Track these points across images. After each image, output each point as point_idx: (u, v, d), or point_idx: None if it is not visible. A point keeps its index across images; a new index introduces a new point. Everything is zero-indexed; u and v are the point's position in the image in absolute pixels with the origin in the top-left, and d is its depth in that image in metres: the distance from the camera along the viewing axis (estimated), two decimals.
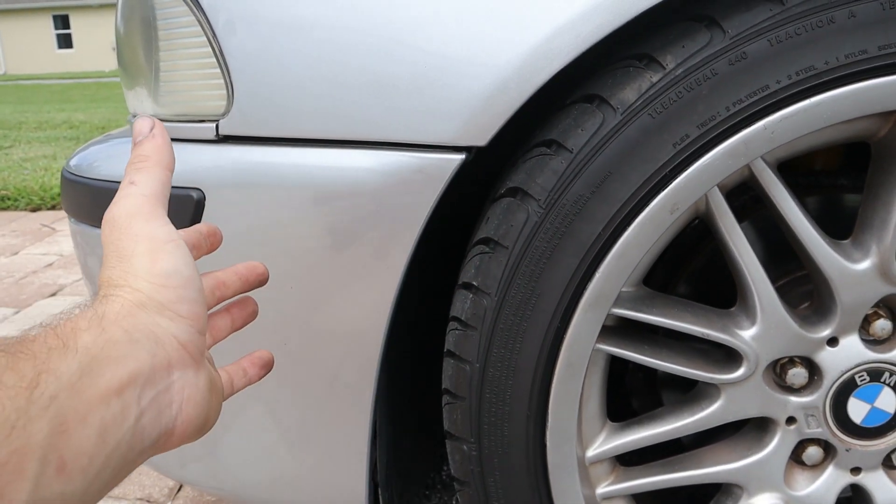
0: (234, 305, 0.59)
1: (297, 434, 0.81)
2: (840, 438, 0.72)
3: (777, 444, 0.73)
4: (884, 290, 0.67)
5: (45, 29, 33.40)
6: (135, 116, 0.88)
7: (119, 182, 0.81)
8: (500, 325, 0.64)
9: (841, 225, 0.71)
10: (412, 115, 0.63)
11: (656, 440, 0.73)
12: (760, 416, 0.72)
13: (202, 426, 0.47)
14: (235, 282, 0.57)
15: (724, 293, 0.75)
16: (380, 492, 0.80)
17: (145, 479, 1.37)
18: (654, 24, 0.62)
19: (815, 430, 0.72)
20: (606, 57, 0.63)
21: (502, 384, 0.66)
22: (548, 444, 0.68)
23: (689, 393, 0.76)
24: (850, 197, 0.85)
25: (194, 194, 0.73)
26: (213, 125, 0.74)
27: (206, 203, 0.73)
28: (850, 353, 0.70)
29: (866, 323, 0.70)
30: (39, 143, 5.76)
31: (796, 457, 0.74)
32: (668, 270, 0.86)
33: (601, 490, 0.75)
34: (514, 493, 0.71)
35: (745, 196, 0.81)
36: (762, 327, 0.68)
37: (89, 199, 0.85)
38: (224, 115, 0.73)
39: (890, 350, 0.69)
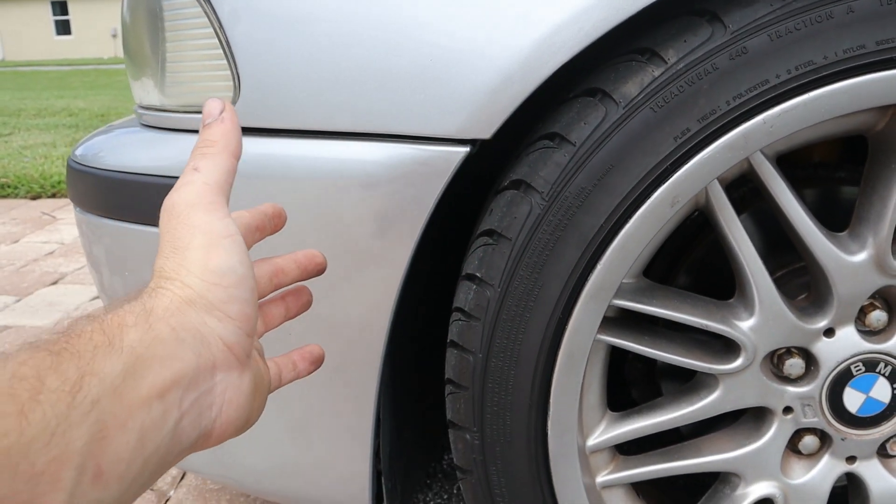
0: (290, 294, 0.59)
1: (301, 423, 0.82)
2: (836, 428, 0.73)
3: (774, 434, 0.74)
4: (880, 281, 0.68)
5: (44, 15, 33.24)
6: (141, 107, 0.89)
7: (122, 172, 0.83)
8: (503, 315, 0.65)
9: (838, 217, 0.72)
10: (418, 108, 0.64)
11: (655, 430, 0.74)
12: (758, 405, 0.73)
13: (242, 426, 0.46)
14: (293, 269, 0.57)
15: (724, 284, 0.76)
16: (383, 480, 0.81)
17: None
18: (656, 19, 0.63)
19: (812, 420, 0.73)
20: (609, 51, 0.64)
21: (505, 374, 0.67)
22: (549, 433, 0.69)
23: (688, 383, 0.77)
24: (847, 189, 0.86)
25: None
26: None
27: None
28: (846, 343, 0.71)
29: (862, 314, 0.71)
30: (39, 130, 5.75)
31: (793, 446, 0.76)
32: (668, 262, 0.87)
33: (601, 478, 0.76)
34: (516, 482, 0.72)
35: (744, 188, 0.82)
36: (760, 318, 0.69)
37: (95, 189, 0.86)
38: None
39: (885, 341, 0.71)
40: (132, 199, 0.81)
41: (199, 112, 0.78)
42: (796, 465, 0.77)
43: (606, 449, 0.76)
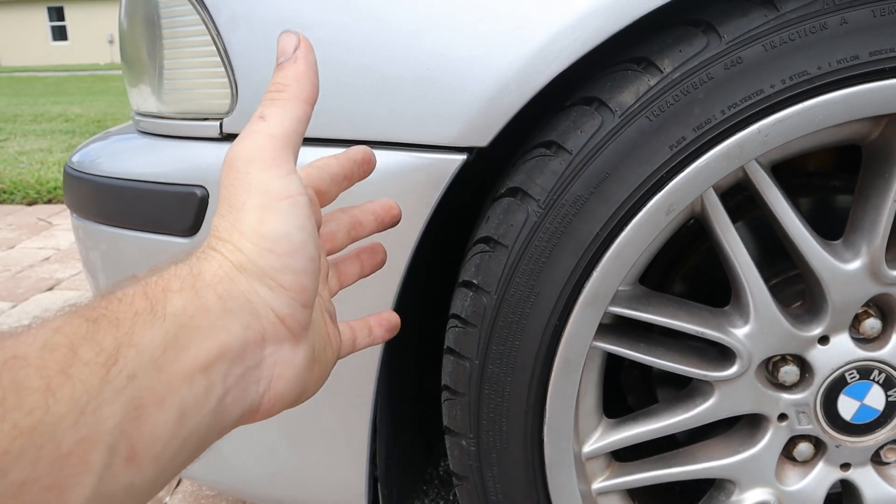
0: (365, 251, 0.56)
1: (298, 429, 0.82)
2: (830, 435, 0.73)
3: (769, 441, 0.74)
4: (874, 289, 0.68)
5: (40, 21, 33.24)
6: (138, 113, 0.89)
7: (119, 179, 0.83)
8: (500, 322, 0.66)
9: (833, 225, 0.73)
10: (415, 116, 0.64)
11: (651, 436, 0.75)
12: (753, 412, 0.74)
13: (293, 401, 0.43)
14: (371, 222, 0.54)
15: (719, 292, 0.76)
16: (379, 486, 0.81)
17: None
18: (652, 28, 0.63)
19: (806, 427, 0.73)
20: (605, 60, 0.65)
21: (501, 380, 0.67)
22: (545, 439, 0.69)
23: (684, 390, 0.77)
24: (841, 198, 0.86)
25: (198, 192, 0.74)
26: (217, 123, 0.75)
27: (210, 200, 0.74)
28: (840, 351, 0.71)
29: (856, 322, 0.71)
30: (35, 136, 5.75)
31: (787, 453, 0.76)
32: (664, 269, 0.87)
33: (597, 485, 0.76)
34: (512, 488, 0.72)
35: (740, 196, 0.83)
36: (755, 326, 0.70)
37: (93, 196, 0.86)
38: (228, 113, 0.74)
39: (879, 348, 0.71)
40: (129, 206, 0.81)
41: (198, 119, 0.78)
42: (791, 471, 0.77)
43: (602, 455, 0.77)
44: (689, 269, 0.86)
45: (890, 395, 0.72)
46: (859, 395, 0.73)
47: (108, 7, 31.91)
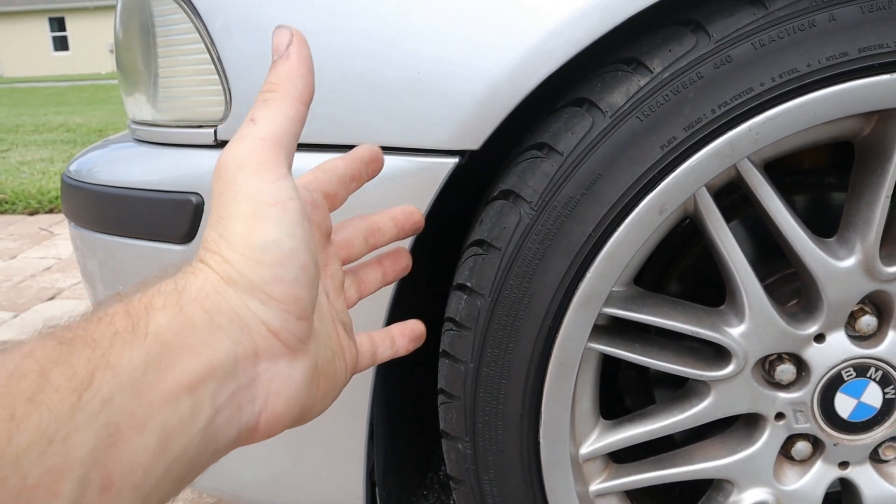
0: (387, 257, 0.54)
1: (295, 435, 0.82)
2: (828, 433, 0.73)
3: (766, 440, 0.74)
4: (868, 286, 0.68)
5: (41, 31, 33.38)
6: (134, 122, 0.89)
7: (115, 187, 0.83)
8: (494, 325, 0.66)
9: (827, 223, 0.73)
10: (407, 120, 0.64)
11: (648, 437, 0.74)
12: (750, 412, 0.73)
13: (297, 418, 0.41)
14: (390, 228, 0.53)
15: (715, 292, 0.76)
16: (377, 491, 0.81)
17: None
18: (641, 29, 0.63)
19: (804, 426, 0.73)
20: (595, 61, 0.65)
21: (496, 383, 0.67)
22: (541, 441, 0.69)
23: (680, 390, 0.77)
24: (836, 195, 0.86)
25: (193, 199, 0.74)
26: (212, 130, 0.75)
27: (206, 208, 0.74)
28: (836, 349, 0.71)
29: (852, 319, 0.71)
30: (36, 146, 5.77)
31: (785, 452, 0.76)
32: (659, 270, 0.87)
33: (594, 487, 0.76)
34: (509, 491, 0.72)
35: (734, 196, 0.83)
36: (750, 325, 0.70)
37: (90, 204, 0.87)
38: (222, 120, 0.74)
39: (875, 346, 0.71)
40: (125, 214, 0.82)
41: (192, 126, 0.79)
42: (789, 471, 0.77)
43: (600, 457, 0.76)
44: (684, 269, 0.86)
45: (887, 393, 0.72)
46: (856, 393, 0.72)
47: (108, 17, 32.02)
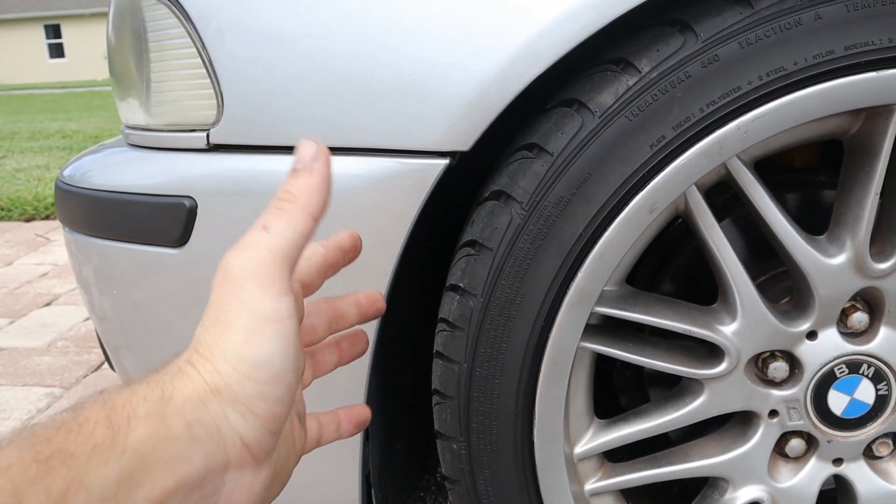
0: (346, 339, 0.55)
1: None
2: (821, 430, 0.73)
3: (760, 438, 0.74)
4: (859, 283, 0.69)
5: (37, 38, 33.38)
6: (127, 126, 0.89)
7: (108, 191, 0.83)
8: (487, 325, 0.66)
9: (818, 220, 0.73)
10: (397, 122, 0.64)
11: (642, 436, 0.75)
12: (744, 410, 0.74)
13: None
14: (353, 315, 0.53)
15: (708, 290, 0.77)
16: (373, 492, 0.81)
17: None
18: (629, 29, 0.64)
19: (798, 423, 0.74)
20: (584, 62, 0.65)
21: (490, 383, 0.67)
22: (535, 441, 0.69)
23: (674, 389, 0.77)
24: (826, 193, 0.87)
25: (186, 202, 0.75)
26: (204, 134, 0.75)
27: (199, 211, 0.74)
28: (828, 346, 0.71)
29: (844, 316, 0.71)
30: (33, 153, 5.76)
31: (780, 449, 0.76)
32: (652, 269, 0.87)
33: (589, 486, 0.77)
34: (504, 490, 0.72)
35: (726, 195, 0.83)
36: (743, 322, 0.70)
37: (84, 209, 0.87)
38: (214, 124, 0.75)
39: (867, 342, 0.71)
40: (119, 218, 0.82)
41: (185, 131, 0.79)
42: (783, 468, 0.77)
43: (594, 456, 0.77)
44: (677, 268, 0.86)
45: (879, 389, 0.73)
46: (849, 390, 0.73)
47: (104, 24, 31.99)
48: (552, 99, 0.67)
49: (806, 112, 0.61)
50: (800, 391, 0.73)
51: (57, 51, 33.40)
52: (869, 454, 0.76)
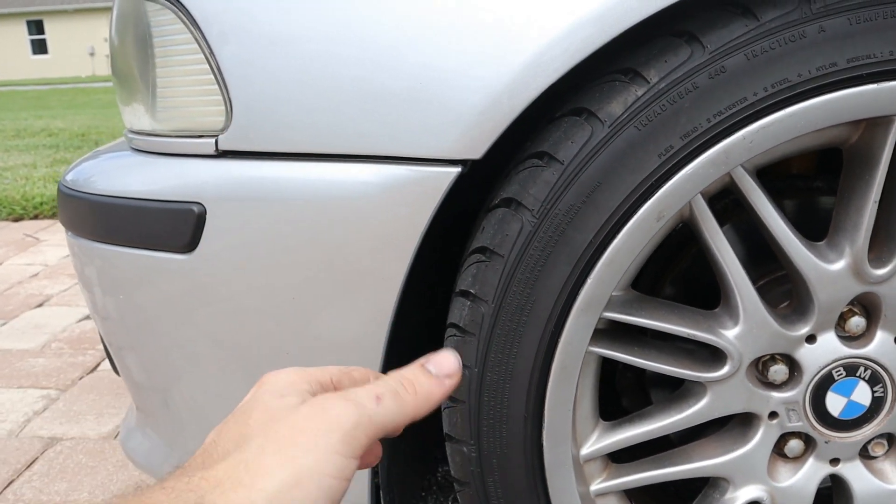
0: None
1: None
2: (819, 431, 0.75)
3: (760, 438, 0.76)
4: (857, 288, 0.70)
5: (20, 34, 33.00)
6: (131, 131, 0.89)
7: (115, 197, 0.83)
8: (498, 330, 0.67)
9: (817, 226, 0.75)
10: (408, 129, 0.65)
11: (646, 437, 0.76)
12: (744, 411, 0.75)
13: None
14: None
15: (709, 294, 0.78)
16: (381, 494, 0.82)
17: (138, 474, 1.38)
18: (637, 40, 0.65)
19: (796, 424, 0.75)
20: (593, 71, 0.66)
21: (500, 387, 0.69)
22: (544, 444, 0.71)
23: (677, 391, 0.79)
24: (825, 199, 0.88)
25: (195, 208, 0.75)
26: (213, 140, 0.75)
27: (207, 217, 0.75)
28: (827, 349, 0.73)
29: (842, 320, 0.73)
30: (18, 151, 5.71)
31: (779, 449, 0.78)
32: (655, 273, 0.89)
33: (594, 487, 0.78)
34: (513, 492, 0.73)
35: (726, 199, 0.85)
36: (745, 327, 0.72)
37: (88, 214, 0.87)
38: (223, 130, 0.75)
39: (864, 346, 0.73)
40: (126, 223, 0.82)
41: (193, 136, 0.79)
42: (782, 468, 0.79)
43: (599, 457, 0.78)
44: (679, 272, 0.88)
45: (875, 391, 0.74)
46: (846, 392, 0.75)
47: (88, 20, 31.77)
48: (560, 107, 0.68)
49: (809, 122, 0.63)
50: (799, 393, 0.74)
51: (40, 47, 33.06)
52: (865, 454, 0.78)
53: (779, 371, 0.74)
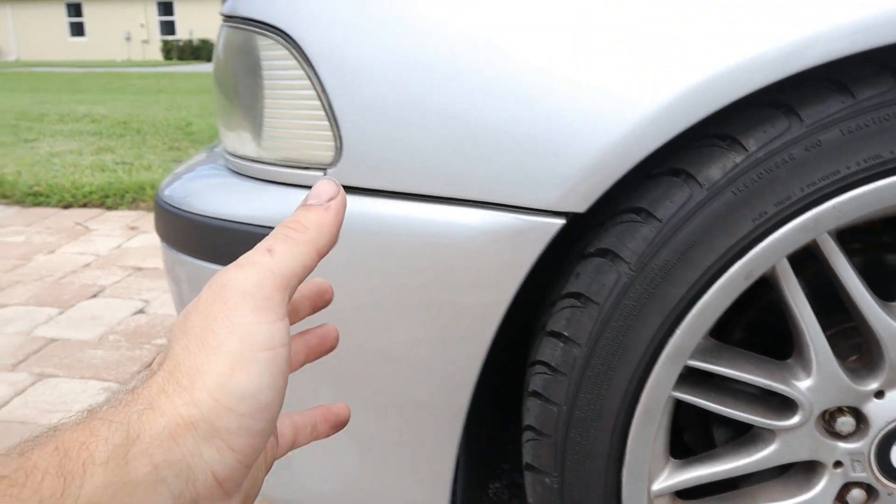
0: (314, 335, 0.51)
1: (378, 456, 0.88)
2: (883, 483, 0.79)
3: (824, 486, 0.80)
4: None
5: (59, 17, 33.51)
6: (234, 155, 0.94)
7: (221, 219, 0.89)
8: (589, 372, 0.72)
9: (885, 280, 0.78)
10: (519, 180, 0.70)
11: (714, 478, 0.80)
12: (810, 459, 0.79)
13: None
14: (306, 307, 0.51)
15: (774, 340, 0.82)
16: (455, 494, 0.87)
17: None
18: (733, 104, 0.69)
19: (860, 475, 0.79)
20: (689, 132, 0.70)
21: (587, 425, 0.73)
22: (623, 479, 0.75)
23: (745, 435, 0.83)
24: (891, 256, 0.92)
25: None
26: (321, 173, 0.80)
27: None
28: (894, 405, 0.77)
29: None
30: (63, 137, 5.84)
31: (841, 498, 0.81)
32: (726, 317, 0.92)
33: None
34: None
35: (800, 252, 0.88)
36: (817, 380, 0.75)
37: (191, 232, 0.92)
38: (331, 164, 0.80)
39: None
40: (230, 244, 0.87)
41: (299, 167, 0.84)
42: None
43: (668, 494, 0.82)
44: (749, 319, 0.92)
45: None
46: None
47: (125, 5, 32.21)
48: (655, 165, 0.72)
49: None
50: (864, 445, 0.78)
51: (77, 29, 33.57)
52: None
53: (846, 423, 0.77)
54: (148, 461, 0.33)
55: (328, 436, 0.52)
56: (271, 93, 0.86)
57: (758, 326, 0.94)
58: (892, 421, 0.77)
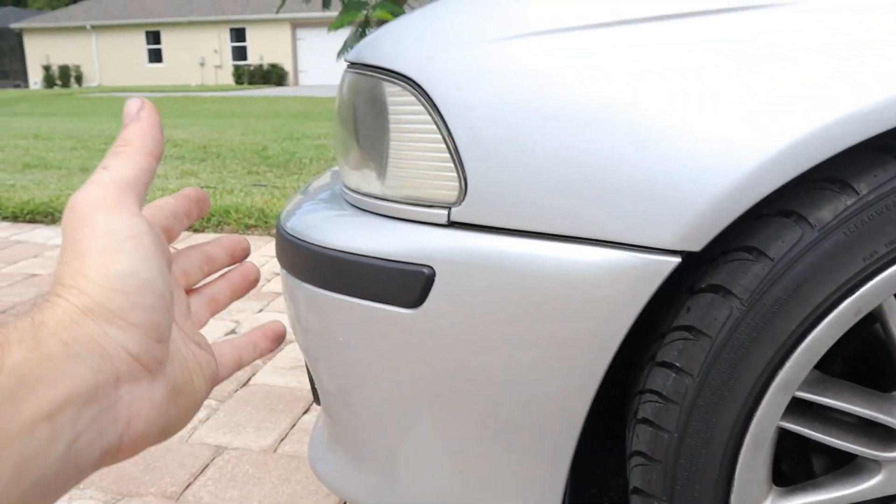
0: (237, 272, 0.57)
1: (477, 474, 0.93)
2: None
3: None
4: None
5: (139, 44, 35.11)
6: (356, 192, 1.02)
7: (348, 253, 0.96)
8: (700, 402, 0.76)
9: None
10: (635, 221, 0.74)
11: None
12: None
13: (160, 436, 0.43)
14: (223, 256, 0.56)
15: (870, 370, 0.85)
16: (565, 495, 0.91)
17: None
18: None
19: None
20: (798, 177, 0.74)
21: (697, 452, 0.77)
22: None
23: (850, 465, 0.85)
24: None
25: (426, 271, 0.86)
26: (445, 212, 0.87)
27: (436, 278, 0.86)
28: None
29: None
30: None
31: None
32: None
33: None
34: None
35: None
36: None
37: (315, 264, 0.99)
38: (456, 203, 0.86)
39: None
40: (354, 277, 0.93)
41: (423, 205, 0.91)
42: None
43: None
44: (851, 352, 0.94)
45: None
46: None
47: (200, 32, 33.54)
48: (766, 206, 0.76)
49: None
50: None
51: (155, 56, 35.12)
52: None
53: None
54: (57, 340, 0.37)
55: (271, 350, 0.57)
56: (397, 135, 0.92)
57: (857, 359, 0.97)
58: None
